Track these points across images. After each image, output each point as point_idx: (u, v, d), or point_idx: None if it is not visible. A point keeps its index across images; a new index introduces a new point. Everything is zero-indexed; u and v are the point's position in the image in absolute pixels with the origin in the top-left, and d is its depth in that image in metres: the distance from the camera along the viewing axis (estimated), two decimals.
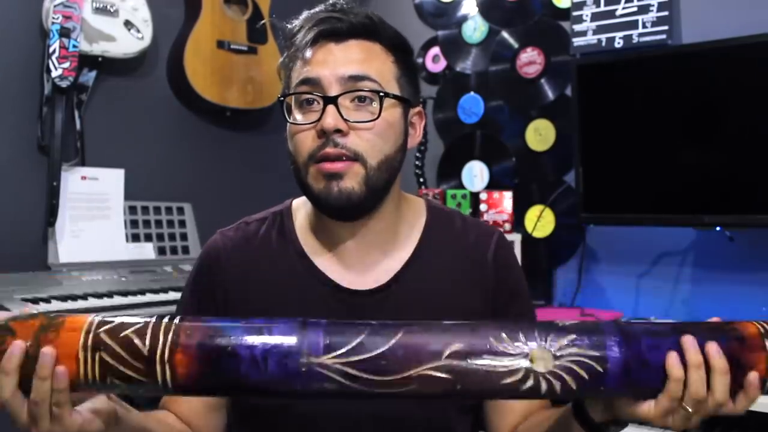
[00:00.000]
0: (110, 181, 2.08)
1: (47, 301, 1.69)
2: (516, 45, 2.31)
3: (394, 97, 0.94)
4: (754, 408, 1.30)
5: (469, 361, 0.71)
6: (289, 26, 0.99)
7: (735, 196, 1.73)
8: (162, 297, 1.87)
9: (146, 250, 2.11)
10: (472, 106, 2.39)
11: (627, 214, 1.90)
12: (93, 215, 2.03)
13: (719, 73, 1.75)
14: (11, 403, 0.72)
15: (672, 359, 0.72)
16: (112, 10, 2.02)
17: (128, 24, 2.06)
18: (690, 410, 0.73)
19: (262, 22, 2.32)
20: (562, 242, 2.18)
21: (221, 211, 2.36)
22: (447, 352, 0.71)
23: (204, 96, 2.24)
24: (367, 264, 1.00)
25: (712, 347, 0.72)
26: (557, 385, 0.71)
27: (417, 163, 2.31)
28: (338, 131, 0.90)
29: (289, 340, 0.71)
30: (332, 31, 0.94)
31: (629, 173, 1.89)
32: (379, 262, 1.00)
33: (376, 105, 0.92)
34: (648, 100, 1.87)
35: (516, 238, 2.06)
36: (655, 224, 1.91)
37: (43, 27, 1.95)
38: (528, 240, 2.14)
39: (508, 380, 0.71)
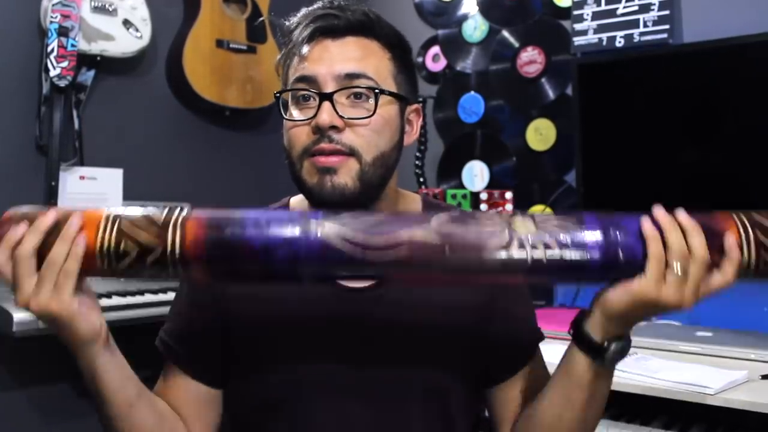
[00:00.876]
0: (109, 180, 2.07)
1: None
2: (516, 44, 2.30)
3: (390, 94, 0.94)
4: (754, 408, 1.29)
5: (455, 224, 0.77)
6: (286, 23, 0.99)
7: (736, 195, 1.72)
8: (161, 297, 1.86)
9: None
10: (472, 106, 2.38)
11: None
12: None
13: (720, 72, 1.75)
14: (24, 265, 0.75)
15: (646, 222, 0.77)
16: (110, 9, 2.01)
17: (127, 23, 2.05)
18: (678, 272, 0.75)
19: (261, 19, 2.31)
20: None
21: None
22: (435, 221, 0.77)
23: (203, 95, 2.23)
24: None
25: (681, 213, 0.78)
26: (541, 249, 0.75)
27: (417, 162, 2.30)
28: (333, 127, 0.90)
29: (291, 216, 0.78)
30: (329, 28, 0.94)
31: (630, 173, 1.88)
32: None
33: (371, 102, 0.92)
34: (649, 99, 1.86)
35: None
36: None
37: (41, 26, 1.94)
38: None
39: (495, 242, 0.75)
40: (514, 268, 0.76)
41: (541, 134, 2.24)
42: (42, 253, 0.76)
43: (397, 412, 0.96)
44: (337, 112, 0.91)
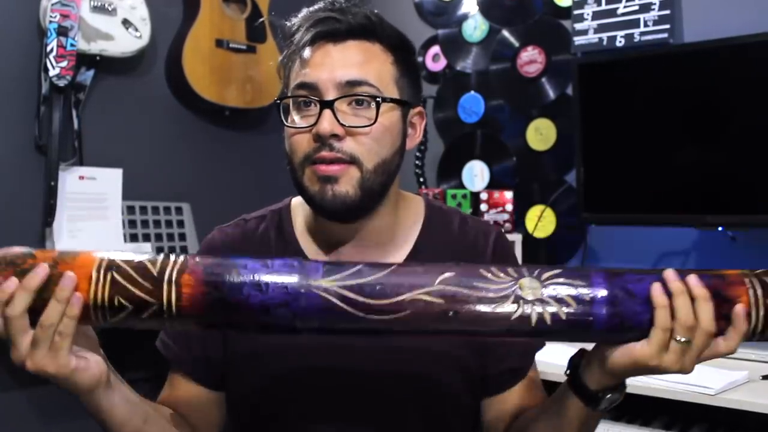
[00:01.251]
0: (108, 180, 2.06)
1: None
2: (517, 44, 2.29)
3: (392, 100, 0.93)
4: (755, 408, 1.29)
5: (461, 286, 0.75)
6: (287, 25, 0.98)
7: (737, 196, 1.72)
8: None
9: (145, 250, 2.10)
10: (472, 106, 2.38)
11: (628, 214, 1.89)
12: (91, 215, 2.02)
13: (721, 72, 1.74)
14: (17, 324, 0.73)
15: (656, 288, 0.75)
16: (110, 9, 2.01)
17: (126, 23, 2.04)
18: (682, 340, 0.74)
19: (261, 20, 2.31)
20: (563, 242, 2.17)
21: (220, 211, 2.33)
22: (439, 279, 0.75)
23: (202, 95, 2.22)
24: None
25: (692, 278, 0.76)
26: (546, 314, 0.74)
27: (417, 162, 2.30)
28: (334, 136, 0.90)
29: (291, 268, 0.76)
30: (330, 32, 0.93)
31: (631, 173, 1.87)
32: (376, 261, 0.99)
33: (373, 109, 0.91)
34: (649, 99, 1.86)
35: (517, 238, 2.05)
36: (657, 224, 1.89)
37: (40, 25, 1.94)
38: (529, 240, 2.13)
39: (499, 308, 0.74)
40: (519, 332, 0.76)
41: (541, 134, 2.24)
42: (35, 306, 0.73)
43: (396, 419, 0.96)
44: (338, 120, 0.90)
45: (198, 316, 0.76)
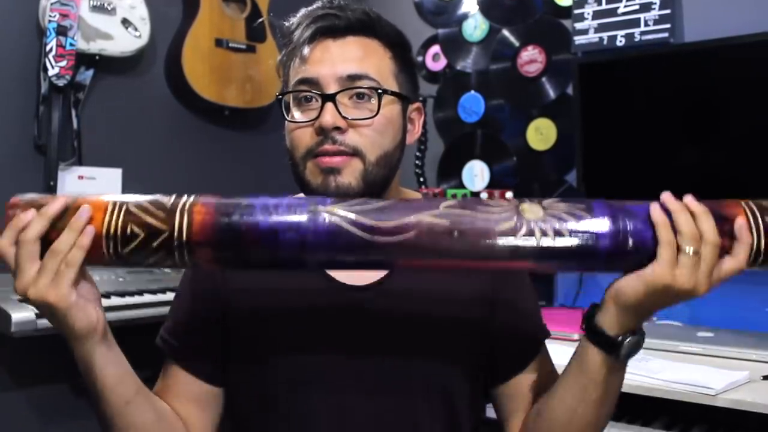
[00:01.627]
0: (108, 180, 2.06)
1: None
2: (517, 43, 2.29)
3: (393, 93, 0.94)
4: (756, 408, 1.29)
5: (465, 209, 0.77)
6: (286, 24, 0.98)
7: (738, 195, 1.71)
8: (160, 297, 1.85)
9: None
10: (472, 105, 2.37)
11: None
12: None
13: (721, 71, 1.74)
14: (28, 250, 0.76)
15: (655, 207, 0.77)
16: (109, 8, 2.01)
17: (126, 22, 2.04)
18: (689, 250, 0.75)
19: (261, 20, 2.30)
20: None
21: None
22: (443, 203, 0.77)
23: (202, 95, 2.22)
24: None
25: (689, 198, 0.78)
26: (550, 230, 0.74)
27: (417, 162, 2.30)
28: (337, 128, 0.90)
29: (300, 200, 0.78)
30: (330, 28, 0.94)
31: (631, 173, 1.87)
32: None
33: (374, 102, 0.92)
34: (650, 99, 1.86)
35: None
36: None
37: (39, 25, 1.94)
38: None
39: (504, 226, 0.75)
40: (523, 254, 0.75)
41: (541, 134, 2.23)
42: (48, 240, 0.76)
43: (400, 408, 0.96)
44: (340, 113, 0.90)
45: (208, 243, 0.76)
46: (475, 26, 2.38)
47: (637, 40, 2.01)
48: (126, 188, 2.09)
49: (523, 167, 2.27)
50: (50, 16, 1.88)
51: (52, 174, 1.93)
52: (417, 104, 1.01)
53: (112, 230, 0.76)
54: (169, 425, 0.95)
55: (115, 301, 1.77)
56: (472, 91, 2.38)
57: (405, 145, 0.99)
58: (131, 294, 1.83)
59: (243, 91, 2.30)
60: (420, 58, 2.46)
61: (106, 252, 0.77)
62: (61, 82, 1.91)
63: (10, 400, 1.90)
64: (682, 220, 0.76)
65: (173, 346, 1.01)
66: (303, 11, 0.97)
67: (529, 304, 1.06)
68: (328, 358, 0.96)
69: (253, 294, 0.98)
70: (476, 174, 2.37)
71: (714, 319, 1.83)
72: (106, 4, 2.00)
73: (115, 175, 2.08)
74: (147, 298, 1.83)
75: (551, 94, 2.22)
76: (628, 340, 0.82)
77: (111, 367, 0.85)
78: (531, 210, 0.76)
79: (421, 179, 2.31)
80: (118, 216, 0.76)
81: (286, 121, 0.95)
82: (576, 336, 1.69)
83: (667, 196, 0.78)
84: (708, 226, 0.76)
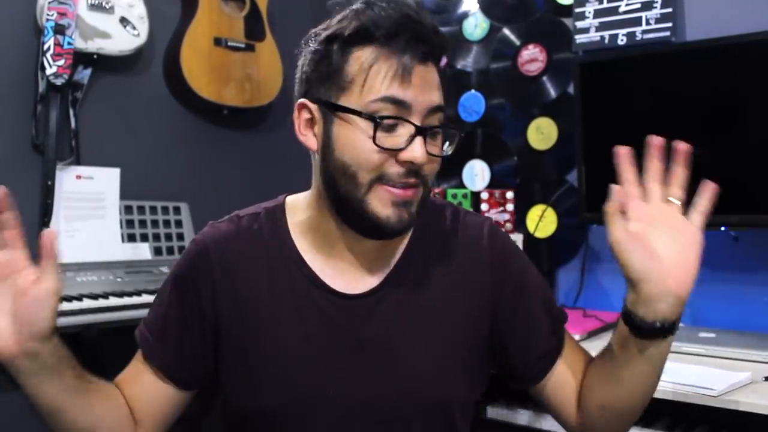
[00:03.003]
0: (106, 180, 2.05)
1: None
2: (517, 42, 2.28)
3: (455, 129, 0.94)
4: (757, 410, 1.28)
5: None
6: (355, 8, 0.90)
7: (740, 195, 1.70)
8: None
9: (142, 251, 2.09)
10: (473, 105, 2.36)
11: None
12: (88, 215, 2.01)
13: (724, 71, 1.73)
14: None
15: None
16: (107, 7, 2.00)
17: (124, 21, 2.03)
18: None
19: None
20: (565, 242, 2.15)
21: (218, 210, 2.31)
22: None
23: (201, 94, 2.21)
24: (360, 267, 0.98)
25: None
26: None
27: None
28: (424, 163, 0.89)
29: None
30: (430, 53, 0.89)
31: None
32: (372, 265, 0.98)
33: (441, 137, 0.92)
34: (651, 98, 1.84)
35: (518, 238, 2.03)
36: None
37: (37, 24, 1.93)
38: (530, 240, 2.11)
39: None
40: None
41: (542, 133, 2.22)
42: None
43: (398, 425, 0.94)
44: (426, 149, 0.89)
45: None
46: (476, 25, 2.37)
47: (638, 39, 2.00)
48: (124, 188, 2.08)
49: (524, 167, 2.26)
50: (48, 14, 1.87)
51: (49, 174, 1.92)
52: None
53: None
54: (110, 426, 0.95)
55: (114, 301, 1.77)
56: (473, 91, 2.37)
57: None
58: (129, 294, 1.83)
59: (242, 91, 2.29)
60: None
61: None
62: (58, 81, 1.90)
63: (8, 401, 1.89)
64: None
65: (149, 342, 0.99)
66: (383, 5, 0.89)
67: (536, 299, 1.03)
68: (321, 376, 0.93)
69: (244, 297, 0.96)
70: (476, 174, 2.36)
71: (716, 319, 1.82)
72: (104, 3, 1.99)
73: (113, 174, 2.07)
74: (145, 298, 1.83)
75: (552, 93, 2.21)
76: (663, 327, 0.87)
77: (36, 387, 0.86)
78: None
79: None
80: None
81: (366, 136, 0.87)
82: (577, 336, 1.68)
83: None
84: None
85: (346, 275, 0.97)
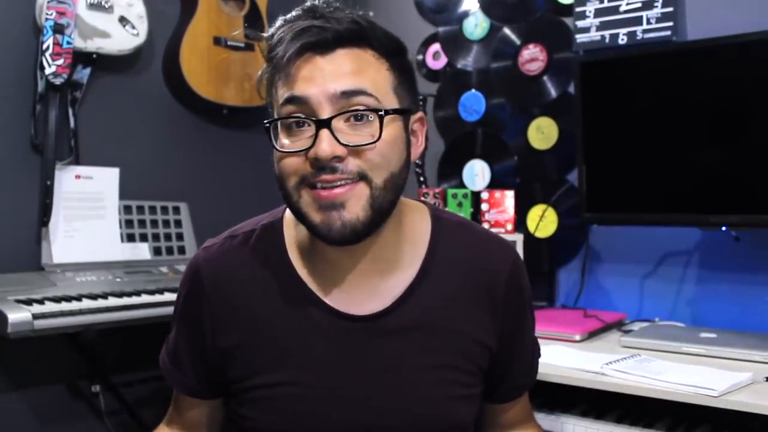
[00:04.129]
0: (105, 180, 2.05)
1: (41, 302, 1.66)
2: (518, 42, 2.27)
3: (394, 111, 0.86)
4: (759, 410, 1.27)
5: None
6: (265, 35, 0.89)
7: (741, 195, 1.70)
8: (158, 298, 1.84)
9: (142, 251, 2.08)
10: (473, 104, 2.36)
11: (631, 213, 1.87)
12: (87, 215, 2.01)
13: (724, 70, 1.72)
14: None
15: None
16: (106, 6, 1.99)
17: (123, 20, 2.02)
18: None
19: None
20: (565, 242, 2.15)
21: (218, 210, 2.33)
22: None
23: (200, 93, 2.21)
24: (366, 287, 0.93)
25: None
26: None
27: (417, 162, 2.28)
28: (336, 158, 0.82)
29: None
30: (317, 43, 0.84)
31: (633, 172, 1.85)
32: (380, 284, 0.93)
33: (374, 123, 0.83)
34: (652, 97, 1.84)
35: (518, 238, 2.03)
36: (660, 224, 1.87)
37: (36, 23, 1.93)
38: (530, 240, 2.11)
39: None
40: None
41: (542, 133, 2.22)
42: None
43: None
44: (338, 140, 0.82)
45: None
46: (476, 24, 2.36)
47: (639, 38, 1.99)
48: (123, 187, 2.08)
49: (524, 167, 2.26)
50: (47, 14, 1.86)
51: (49, 173, 1.91)
52: (419, 114, 0.93)
53: None
54: None
55: (113, 301, 1.76)
56: (473, 90, 2.36)
57: (410, 163, 0.91)
58: (129, 294, 1.82)
59: (241, 90, 2.29)
60: (420, 57, 2.45)
61: None
62: (58, 81, 1.90)
63: (6, 402, 1.89)
64: None
65: (172, 374, 1.02)
66: (281, 22, 0.88)
67: (528, 335, 1.06)
68: (328, 402, 0.92)
69: (244, 326, 0.94)
70: (477, 173, 2.35)
71: (717, 319, 1.82)
72: (103, 2, 1.99)
73: (112, 174, 2.07)
74: (145, 298, 1.83)
75: (552, 92, 2.21)
76: None
77: None
78: None
79: (421, 179, 2.30)
80: None
81: (274, 150, 0.86)
82: (578, 336, 1.67)
83: None
84: None
85: (350, 295, 0.93)
